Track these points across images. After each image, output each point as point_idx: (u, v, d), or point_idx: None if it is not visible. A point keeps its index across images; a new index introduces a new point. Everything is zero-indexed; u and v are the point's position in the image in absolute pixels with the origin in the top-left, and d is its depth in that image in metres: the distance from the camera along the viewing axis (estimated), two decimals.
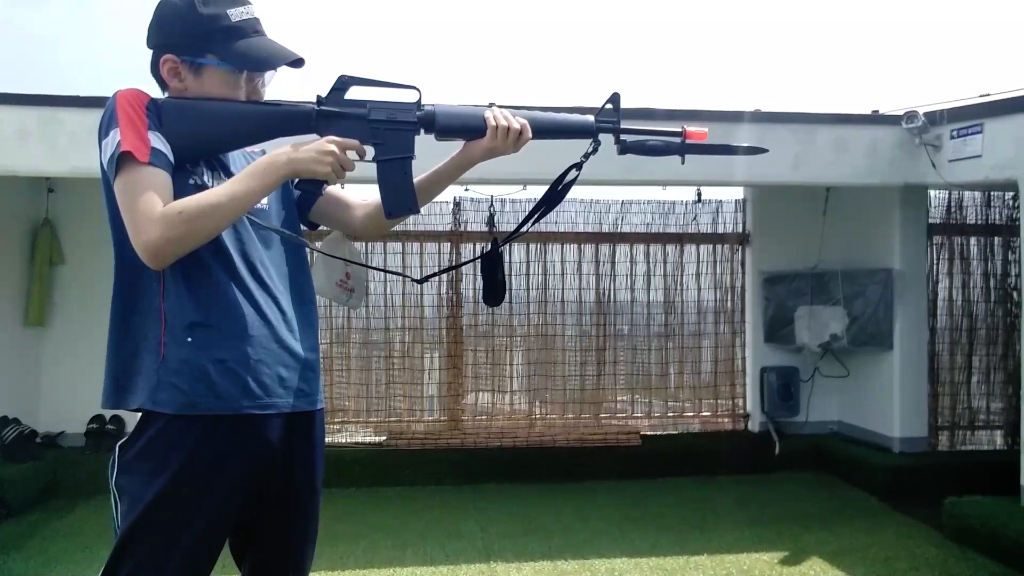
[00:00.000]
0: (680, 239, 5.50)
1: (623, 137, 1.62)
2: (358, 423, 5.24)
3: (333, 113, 1.50)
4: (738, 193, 5.55)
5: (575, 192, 1.69)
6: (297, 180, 1.60)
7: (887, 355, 4.90)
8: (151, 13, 1.49)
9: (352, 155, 1.49)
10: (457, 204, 5.25)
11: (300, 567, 1.58)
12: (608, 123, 1.61)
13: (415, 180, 1.57)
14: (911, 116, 4.25)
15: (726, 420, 5.49)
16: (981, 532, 3.58)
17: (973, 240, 5.18)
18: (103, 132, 1.39)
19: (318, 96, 1.51)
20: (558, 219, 5.30)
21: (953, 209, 5.16)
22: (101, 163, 1.40)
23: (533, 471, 4.89)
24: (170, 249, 1.34)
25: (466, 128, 1.55)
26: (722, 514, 4.23)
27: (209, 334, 1.40)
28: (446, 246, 5.27)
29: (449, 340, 5.27)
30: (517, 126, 1.55)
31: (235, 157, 1.55)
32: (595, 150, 1.62)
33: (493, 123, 1.53)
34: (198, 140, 1.42)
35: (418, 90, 1.55)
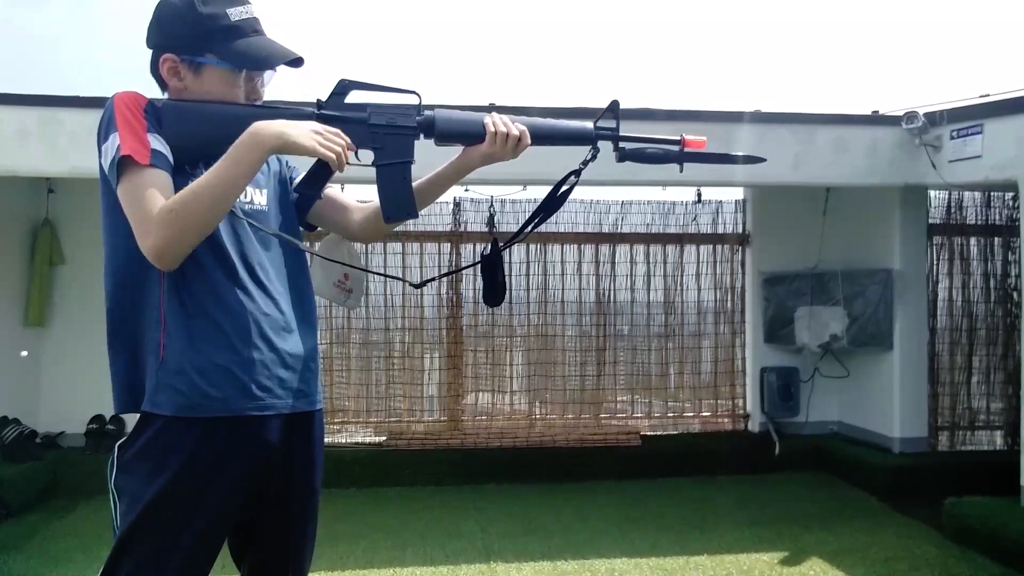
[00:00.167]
0: (680, 239, 5.50)
1: (622, 145, 1.62)
2: (358, 423, 5.24)
3: (333, 117, 1.50)
4: (738, 193, 5.55)
5: (575, 192, 1.69)
6: (295, 182, 1.61)
7: (887, 355, 4.90)
8: (151, 13, 1.49)
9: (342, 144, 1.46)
10: (457, 204, 5.25)
11: (300, 567, 1.58)
12: (607, 131, 1.61)
13: (413, 184, 1.58)
14: (911, 116, 4.25)
15: (726, 420, 5.49)
16: (981, 532, 3.58)
17: (973, 240, 5.18)
18: (102, 136, 1.39)
19: (318, 100, 1.51)
20: (558, 219, 5.30)
21: (953, 209, 5.16)
22: (101, 167, 1.41)
23: (533, 471, 4.89)
24: (171, 248, 1.34)
25: (465, 134, 1.55)
26: (722, 514, 4.23)
27: (208, 336, 1.41)
28: (446, 246, 5.27)
29: (449, 340, 5.27)
30: (516, 132, 1.55)
31: None
32: (594, 157, 1.62)
33: (492, 129, 1.54)
34: (197, 142, 1.42)
35: (418, 95, 1.55)
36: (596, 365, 5.42)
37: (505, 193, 5.19)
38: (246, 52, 1.47)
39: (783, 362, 5.34)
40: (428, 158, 1.66)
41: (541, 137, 1.60)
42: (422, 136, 1.55)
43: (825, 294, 5.12)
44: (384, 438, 5.08)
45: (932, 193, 5.02)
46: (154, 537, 1.37)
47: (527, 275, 5.34)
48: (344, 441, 5.10)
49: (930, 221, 5.02)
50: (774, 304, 5.33)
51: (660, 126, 4.26)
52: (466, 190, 5.10)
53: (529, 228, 1.69)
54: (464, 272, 5.24)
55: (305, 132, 1.41)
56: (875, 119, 4.49)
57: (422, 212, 1.68)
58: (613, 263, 5.43)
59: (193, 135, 1.40)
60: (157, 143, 1.38)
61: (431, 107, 1.56)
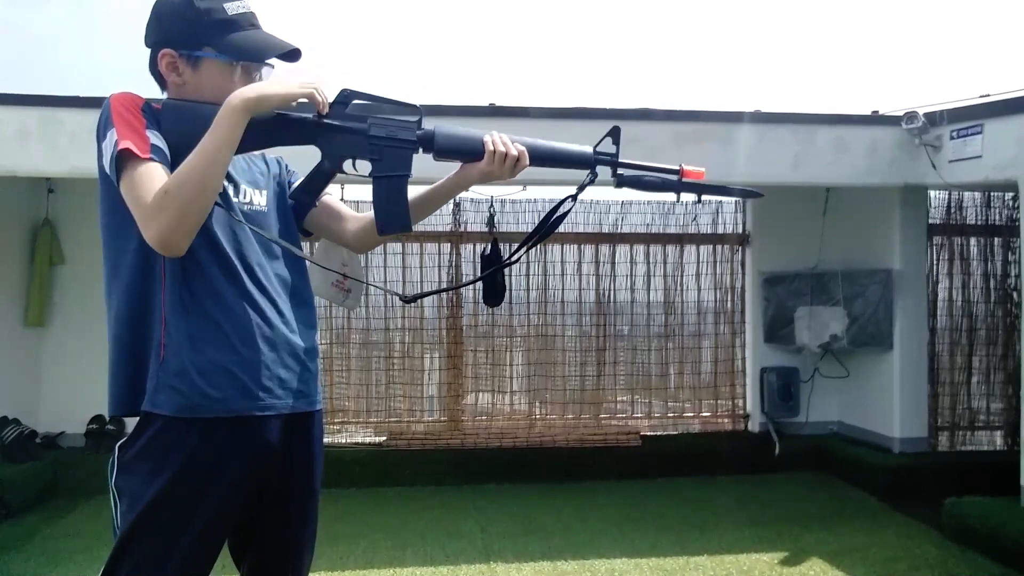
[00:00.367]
0: (680, 239, 5.50)
1: (620, 171, 1.62)
2: (358, 423, 5.24)
3: (333, 126, 1.50)
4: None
5: (577, 181, 1.69)
6: (291, 189, 1.62)
7: (887, 355, 4.90)
8: (148, 13, 1.50)
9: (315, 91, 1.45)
10: (457, 204, 5.25)
11: (299, 567, 1.58)
12: (606, 156, 1.61)
13: (409, 197, 1.58)
14: (911, 116, 4.25)
15: (726, 420, 5.49)
16: (981, 532, 3.58)
17: (973, 240, 5.18)
18: (100, 135, 1.39)
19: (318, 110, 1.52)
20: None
21: (953, 209, 5.16)
22: (100, 167, 1.41)
23: (533, 471, 4.89)
24: (174, 232, 1.33)
25: (464, 151, 1.56)
26: (722, 514, 4.24)
27: (208, 336, 1.41)
28: (446, 246, 5.27)
29: (449, 340, 5.27)
30: (515, 152, 1.55)
31: (235, 160, 1.55)
32: (591, 182, 1.63)
33: (491, 148, 1.54)
34: (195, 142, 1.42)
35: (419, 110, 1.56)
36: (596, 365, 5.42)
37: (505, 193, 5.19)
38: (242, 44, 1.48)
39: (783, 362, 5.34)
40: (426, 167, 1.65)
41: (540, 158, 1.60)
42: (421, 150, 1.55)
43: (825, 294, 5.12)
44: (384, 438, 5.08)
45: (932, 193, 5.02)
46: (154, 537, 1.37)
47: (527, 275, 5.34)
48: (344, 441, 5.10)
49: (930, 221, 5.03)
50: (774, 304, 5.33)
51: (659, 126, 4.28)
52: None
53: (523, 250, 1.69)
54: (464, 273, 5.24)
55: (278, 81, 1.43)
56: (875, 119, 4.49)
57: None
58: (613, 263, 5.43)
59: (191, 135, 1.41)
60: (156, 139, 1.39)
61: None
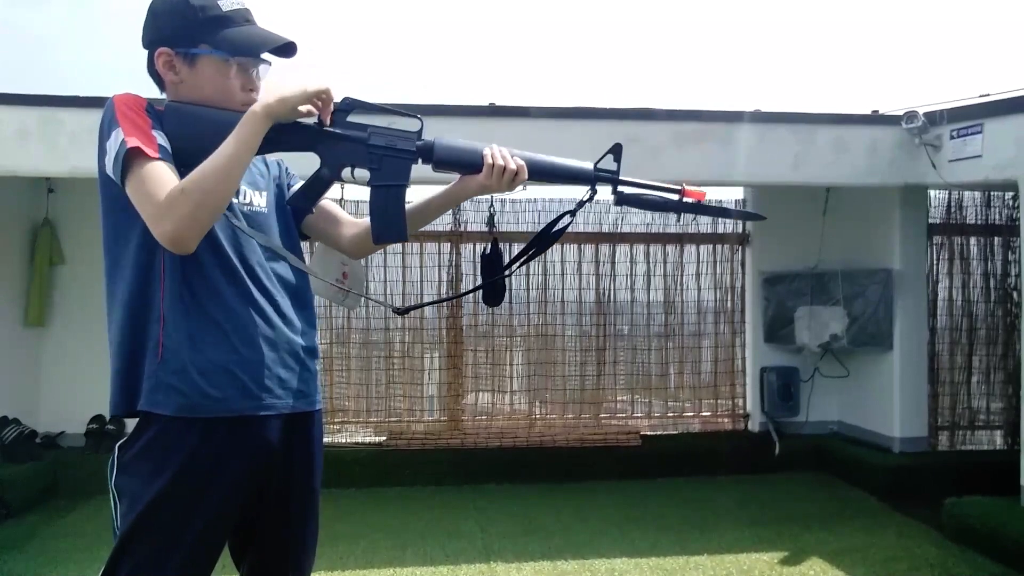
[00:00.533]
0: (680, 239, 5.50)
1: (620, 188, 1.62)
2: (358, 423, 5.24)
3: (333, 133, 1.51)
4: (738, 193, 5.55)
5: (577, 192, 1.69)
6: (289, 193, 1.62)
7: (887, 355, 4.90)
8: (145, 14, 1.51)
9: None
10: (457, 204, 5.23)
11: (300, 567, 1.58)
12: (607, 173, 1.60)
13: (406, 207, 1.58)
14: (911, 116, 4.25)
15: (726, 420, 5.49)
16: (981, 532, 3.58)
17: (973, 240, 5.18)
18: (104, 135, 1.39)
19: (319, 117, 1.52)
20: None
21: (953, 209, 5.16)
22: (101, 167, 1.41)
23: (533, 471, 4.89)
24: (186, 230, 1.33)
25: (463, 163, 1.56)
26: (722, 514, 4.23)
27: (208, 336, 1.41)
28: (446, 246, 5.27)
29: (449, 340, 5.27)
30: (514, 167, 1.55)
31: None
32: (591, 199, 1.63)
33: (490, 161, 1.54)
34: (197, 145, 1.42)
35: (420, 120, 1.56)
36: (596, 365, 5.42)
37: (505, 193, 5.17)
38: (238, 40, 1.48)
39: (783, 362, 5.34)
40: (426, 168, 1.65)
41: (539, 173, 1.59)
42: (420, 161, 1.55)
43: (825, 294, 5.12)
44: (384, 438, 5.08)
45: (932, 193, 5.02)
46: (155, 537, 1.37)
47: (527, 275, 5.34)
48: (344, 441, 5.10)
49: (930, 221, 5.03)
50: (774, 304, 5.33)
51: (660, 126, 4.28)
52: None
53: (519, 263, 1.69)
54: (464, 272, 5.25)
55: (293, 84, 1.43)
56: (875, 119, 4.49)
57: None
58: (613, 263, 5.43)
59: (192, 137, 1.41)
60: (162, 140, 1.40)
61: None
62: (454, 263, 5.26)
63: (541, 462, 4.95)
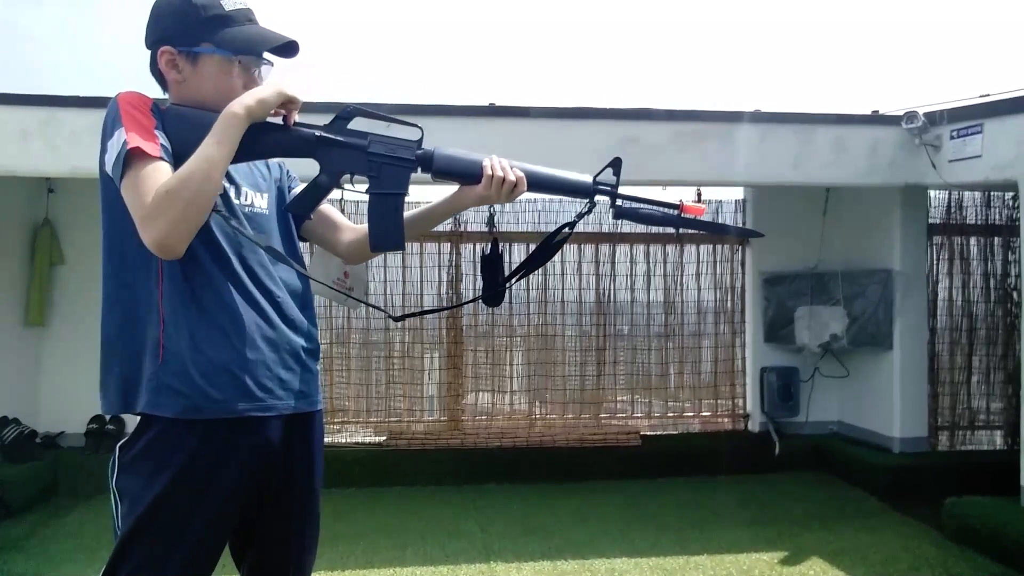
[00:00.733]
0: (680, 239, 5.49)
1: (619, 202, 1.62)
2: (358, 423, 5.24)
3: (333, 140, 1.51)
4: (738, 193, 5.55)
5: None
6: (289, 197, 1.62)
7: (887, 355, 4.90)
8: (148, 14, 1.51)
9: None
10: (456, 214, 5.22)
11: (301, 568, 1.59)
12: (606, 186, 1.61)
13: (404, 215, 1.58)
14: (911, 116, 4.25)
15: (726, 420, 5.49)
16: (981, 532, 3.58)
17: (973, 240, 5.18)
18: (107, 133, 1.39)
19: (320, 125, 1.52)
20: (558, 220, 5.30)
21: (953, 209, 5.16)
22: (102, 165, 1.41)
23: (533, 471, 4.89)
24: (172, 234, 1.33)
25: (462, 173, 1.56)
26: (722, 514, 4.24)
27: (208, 336, 1.41)
28: (446, 246, 5.27)
29: (449, 340, 5.27)
30: (513, 178, 1.56)
31: (239, 166, 1.55)
32: (589, 211, 1.63)
33: (489, 172, 1.54)
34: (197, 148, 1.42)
35: (421, 129, 1.57)
36: (596, 365, 5.42)
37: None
38: (240, 39, 1.49)
39: (783, 362, 5.34)
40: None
41: (538, 185, 1.60)
42: (419, 170, 1.55)
43: (825, 294, 5.13)
44: (384, 438, 5.08)
45: (932, 193, 5.02)
46: (155, 538, 1.37)
47: (527, 275, 5.32)
48: (344, 441, 5.10)
49: (930, 221, 5.02)
50: (774, 304, 5.33)
51: (659, 126, 4.27)
52: None
53: (516, 278, 1.70)
54: (464, 272, 5.25)
55: (269, 85, 1.45)
56: (875, 119, 4.49)
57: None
58: (613, 263, 5.43)
59: (194, 143, 1.41)
60: (164, 140, 1.40)
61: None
62: (454, 263, 5.26)
63: (541, 462, 4.95)
